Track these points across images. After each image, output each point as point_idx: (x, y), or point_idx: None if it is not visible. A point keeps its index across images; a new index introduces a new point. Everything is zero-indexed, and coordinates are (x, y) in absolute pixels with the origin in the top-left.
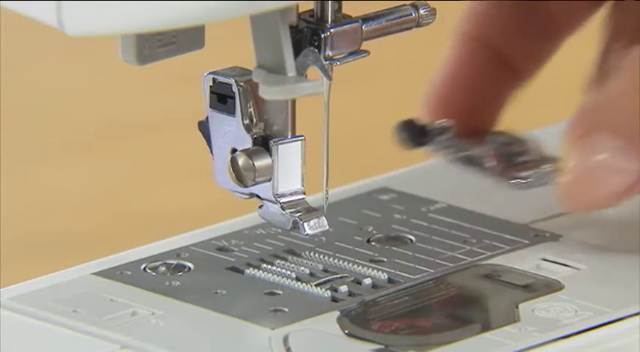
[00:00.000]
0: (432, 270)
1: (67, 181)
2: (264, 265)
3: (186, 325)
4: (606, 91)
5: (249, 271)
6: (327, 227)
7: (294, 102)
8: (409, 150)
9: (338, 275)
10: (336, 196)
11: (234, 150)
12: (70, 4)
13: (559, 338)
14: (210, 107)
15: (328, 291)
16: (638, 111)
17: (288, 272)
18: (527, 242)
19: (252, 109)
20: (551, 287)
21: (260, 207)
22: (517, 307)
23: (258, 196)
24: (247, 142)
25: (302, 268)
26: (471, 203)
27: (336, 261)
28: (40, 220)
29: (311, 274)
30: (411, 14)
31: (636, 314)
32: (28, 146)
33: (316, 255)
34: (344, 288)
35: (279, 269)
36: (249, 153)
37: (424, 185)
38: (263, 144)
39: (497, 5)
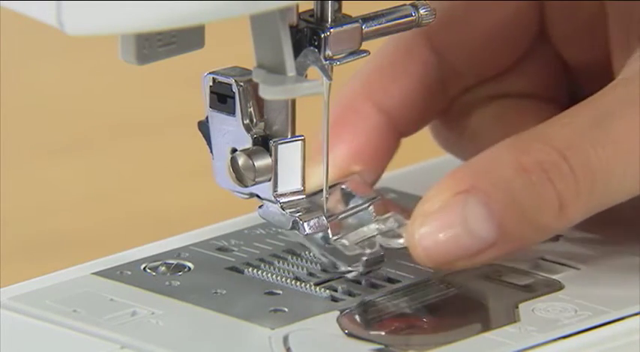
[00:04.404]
0: (432, 270)
1: (67, 181)
2: (264, 265)
3: (186, 325)
4: (489, 157)
5: (249, 271)
6: (327, 227)
7: (294, 102)
8: None
9: (338, 276)
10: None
11: (234, 150)
12: (70, 4)
13: (559, 338)
14: (210, 107)
15: (328, 291)
16: (510, 188)
17: (288, 273)
18: None
19: (252, 109)
20: (551, 287)
21: (260, 207)
22: (517, 307)
23: (258, 196)
24: (247, 142)
25: (302, 268)
26: None
27: None
28: (40, 220)
29: (311, 274)
30: (411, 14)
31: (636, 314)
32: (28, 146)
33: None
34: (344, 288)
35: (279, 269)
36: (249, 153)
37: (424, 185)
38: (263, 144)
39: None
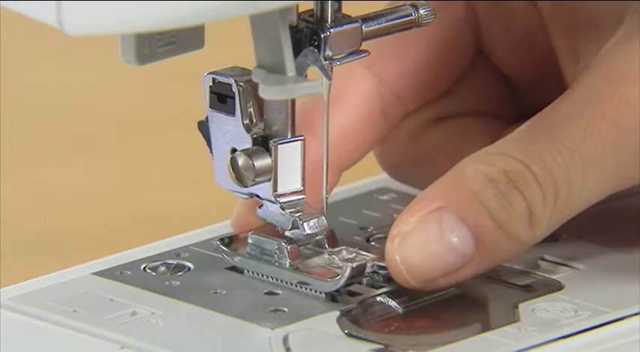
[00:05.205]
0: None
1: (67, 181)
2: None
3: (186, 325)
4: (460, 174)
5: (249, 271)
6: (327, 227)
7: (294, 102)
8: None
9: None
10: (336, 196)
11: (234, 150)
12: (70, 4)
13: (559, 338)
14: (210, 107)
15: None
16: (481, 202)
17: None
18: None
19: (252, 109)
20: (551, 287)
21: (260, 207)
22: (517, 307)
23: (258, 196)
24: (247, 142)
25: None
26: None
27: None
28: (40, 220)
29: None
30: (411, 14)
31: (636, 314)
32: (28, 146)
33: None
34: (344, 288)
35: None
36: (249, 153)
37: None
38: (263, 144)
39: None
